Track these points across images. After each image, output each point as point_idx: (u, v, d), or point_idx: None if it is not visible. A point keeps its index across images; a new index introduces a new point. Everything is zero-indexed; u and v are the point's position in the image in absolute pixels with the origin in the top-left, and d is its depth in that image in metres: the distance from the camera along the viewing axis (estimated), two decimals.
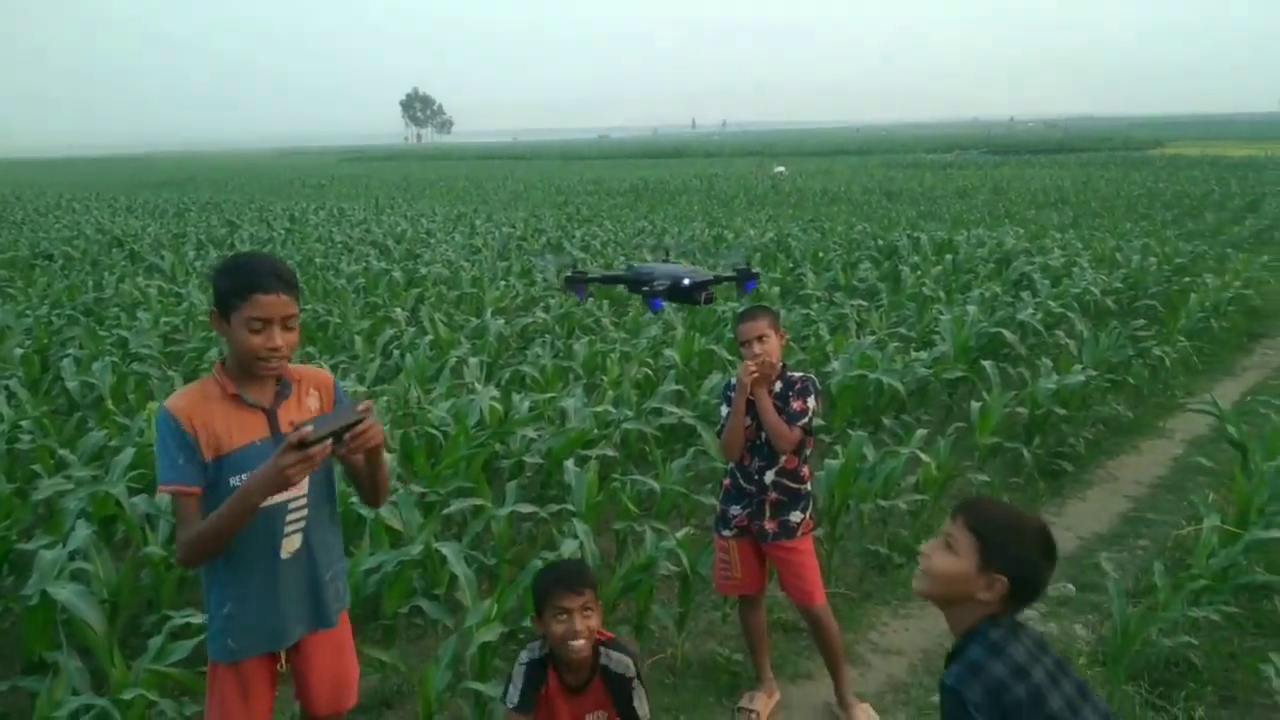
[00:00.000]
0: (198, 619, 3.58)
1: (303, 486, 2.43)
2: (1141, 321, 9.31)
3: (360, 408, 2.24)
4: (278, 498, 2.34)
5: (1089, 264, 12.22)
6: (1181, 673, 3.91)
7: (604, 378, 7.08)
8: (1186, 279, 11.86)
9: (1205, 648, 4.02)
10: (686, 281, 3.24)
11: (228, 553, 2.35)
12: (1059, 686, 1.98)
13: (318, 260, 14.59)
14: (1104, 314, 10.22)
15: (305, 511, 2.46)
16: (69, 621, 3.64)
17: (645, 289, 3.28)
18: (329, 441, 2.17)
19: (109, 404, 6.68)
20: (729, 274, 3.44)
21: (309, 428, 2.14)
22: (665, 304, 3.45)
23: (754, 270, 3.45)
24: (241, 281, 2.30)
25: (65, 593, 3.57)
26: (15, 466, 5.49)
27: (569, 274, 3.52)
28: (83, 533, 4.06)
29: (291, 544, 2.44)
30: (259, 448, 2.36)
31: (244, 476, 2.29)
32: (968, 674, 1.94)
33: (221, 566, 2.41)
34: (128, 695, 3.06)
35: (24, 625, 3.85)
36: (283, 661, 2.52)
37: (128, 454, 4.93)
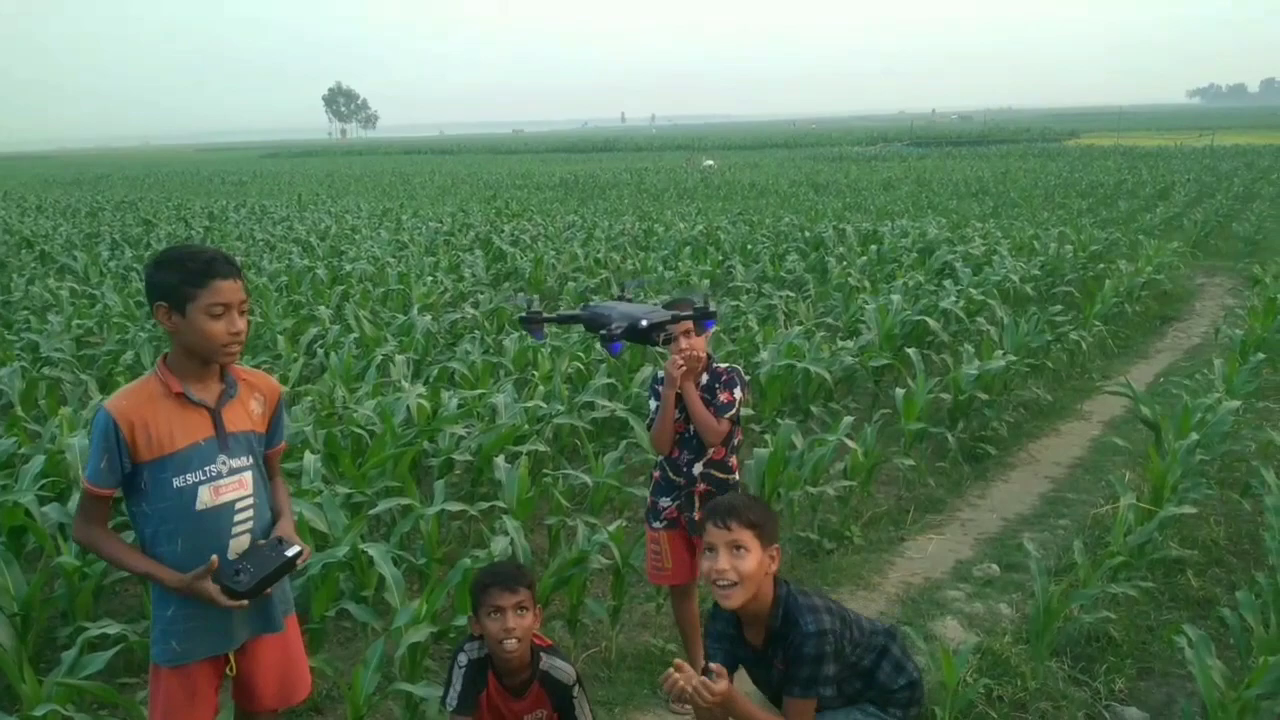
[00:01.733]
0: (114, 629, 3.47)
1: (248, 485, 2.42)
2: (1059, 307, 9.57)
3: (296, 555, 2.37)
4: (226, 496, 2.37)
5: (1008, 252, 12.52)
6: (1102, 647, 4.02)
7: (535, 373, 7.04)
8: (1101, 265, 12.23)
9: (1124, 622, 4.15)
10: (644, 323, 3.23)
11: (173, 553, 2.32)
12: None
13: (239, 259, 14.22)
14: (1023, 300, 10.49)
15: (252, 512, 2.43)
16: None
17: (603, 332, 3.26)
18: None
19: (18, 410, 6.42)
20: (686, 313, 3.44)
21: (244, 576, 2.27)
22: (623, 346, 3.45)
23: (712, 309, 3.46)
24: (197, 270, 2.29)
25: None
26: None
27: (524, 314, 3.47)
28: None
29: (239, 545, 2.40)
30: (202, 448, 2.34)
31: (186, 477, 2.31)
32: (816, 615, 2.45)
33: (167, 567, 2.35)
34: (39, 712, 2.94)
35: None
36: (232, 665, 2.47)
37: (38, 462, 4.74)
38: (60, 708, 2.98)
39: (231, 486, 2.38)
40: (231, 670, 2.47)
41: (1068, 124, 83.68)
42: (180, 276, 2.29)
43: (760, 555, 2.44)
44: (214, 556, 2.27)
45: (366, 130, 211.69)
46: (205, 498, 2.34)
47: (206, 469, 2.33)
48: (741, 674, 2.68)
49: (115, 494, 2.34)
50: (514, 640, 2.78)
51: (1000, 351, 7.32)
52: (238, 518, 2.40)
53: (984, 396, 6.81)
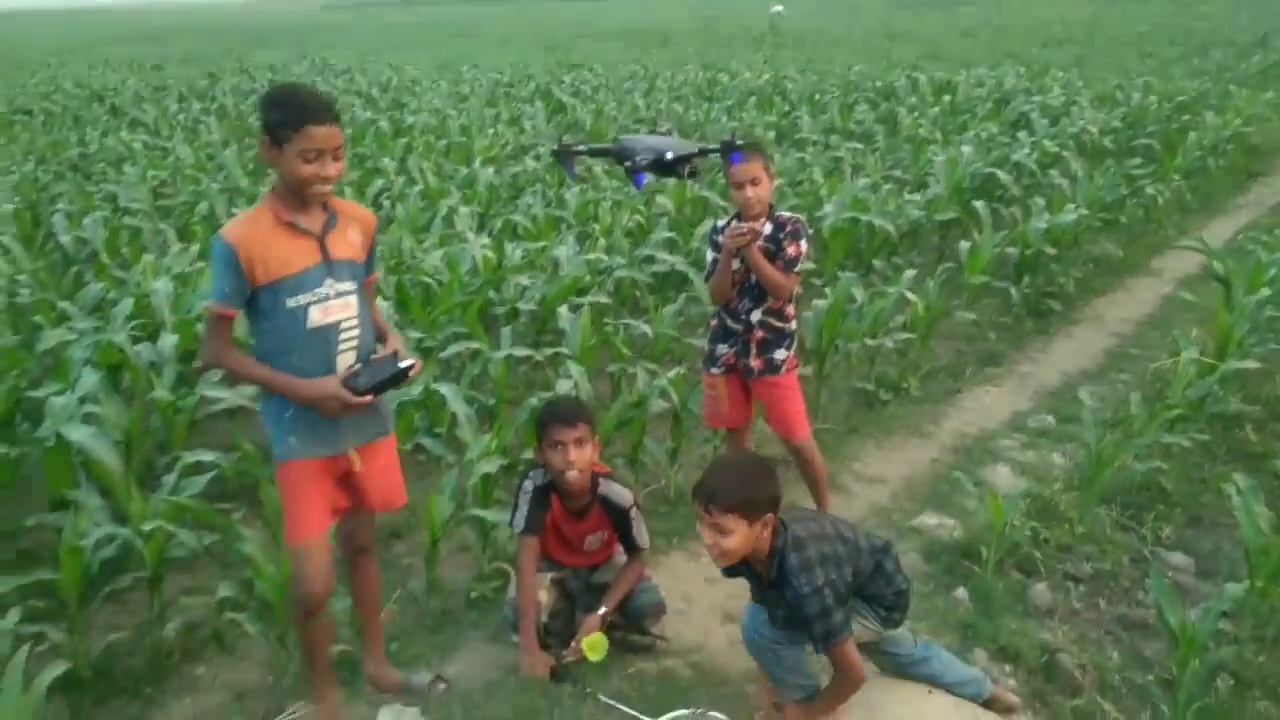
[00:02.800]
0: (208, 457, 3.73)
1: (353, 307, 2.59)
2: (1138, 161, 9.24)
3: (408, 367, 2.56)
4: (333, 317, 2.54)
5: (1089, 103, 12.01)
6: (1152, 496, 4.09)
7: (596, 226, 7.08)
8: (1186, 117, 11.68)
9: (1176, 473, 4.20)
10: (669, 155, 3.18)
11: (288, 367, 2.52)
12: (832, 524, 2.62)
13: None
14: (1101, 154, 10.12)
15: (357, 331, 2.61)
16: (86, 462, 3.79)
17: (627, 164, 3.23)
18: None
19: (104, 258, 6.69)
20: (713, 146, 3.39)
21: (362, 378, 2.51)
22: (648, 179, 3.42)
23: (739, 142, 3.40)
24: (294, 114, 2.40)
25: (80, 434, 3.70)
26: (17, 319, 5.56)
27: (556, 147, 3.46)
28: (90, 379, 4.16)
29: (345, 361, 2.59)
30: (312, 272, 2.51)
31: (299, 298, 2.49)
32: (809, 573, 2.43)
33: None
34: (147, 526, 3.22)
35: (43, 467, 3.99)
36: (355, 461, 2.67)
37: (126, 304, 5.00)
38: (166, 524, 3.26)
39: (338, 308, 2.56)
40: (356, 465, 2.68)
41: None
42: (280, 116, 2.41)
43: (745, 532, 2.42)
44: (361, 376, 2.53)
45: None
46: (315, 317, 2.52)
47: (316, 291, 2.52)
48: None
49: (238, 314, 2.52)
50: (574, 471, 2.97)
51: (1072, 205, 7.15)
52: (343, 336, 2.58)
53: (1052, 251, 6.71)
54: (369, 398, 2.54)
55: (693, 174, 3.30)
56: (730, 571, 2.67)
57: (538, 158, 10.11)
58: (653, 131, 3.61)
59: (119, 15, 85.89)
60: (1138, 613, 3.41)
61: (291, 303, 2.49)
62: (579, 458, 2.98)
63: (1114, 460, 3.98)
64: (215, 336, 2.55)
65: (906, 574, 2.75)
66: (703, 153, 3.32)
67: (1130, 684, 3.04)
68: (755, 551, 2.49)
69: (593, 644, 2.99)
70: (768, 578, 2.54)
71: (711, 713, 2.80)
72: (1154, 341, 5.96)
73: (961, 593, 3.49)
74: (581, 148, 3.64)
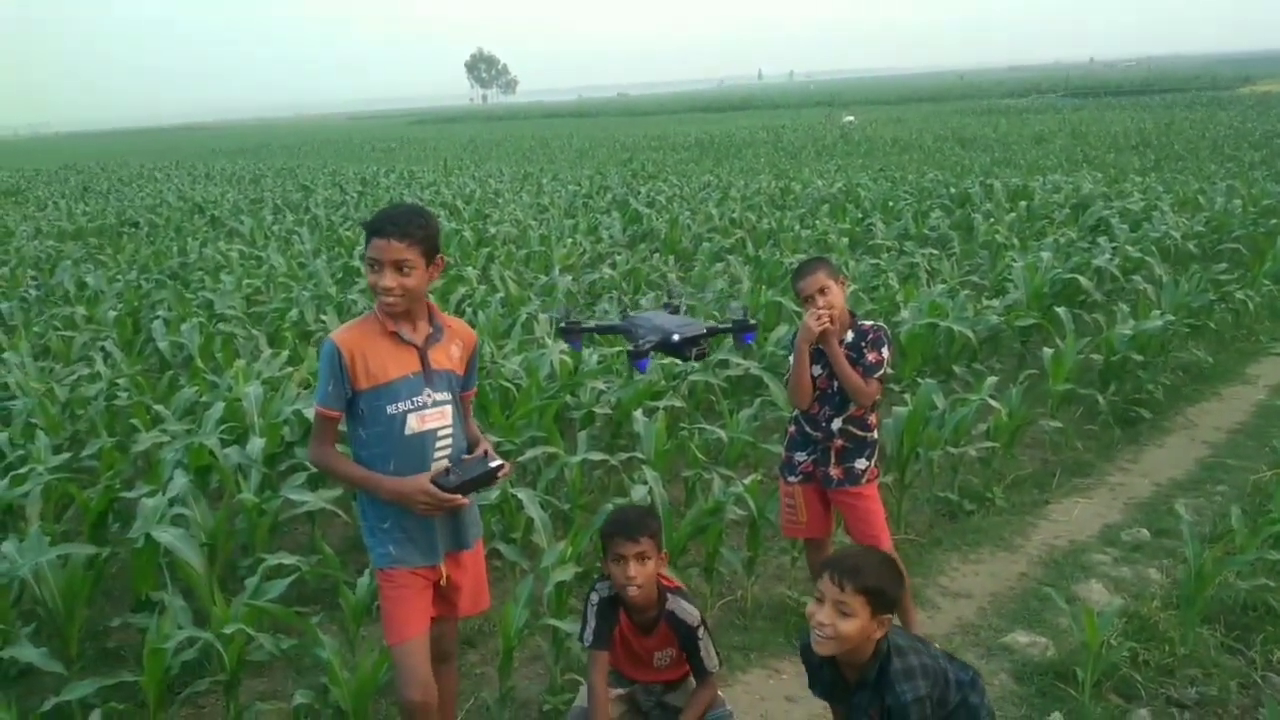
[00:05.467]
0: (289, 560, 3.78)
1: (448, 417, 2.71)
2: (1224, 265, 9.04)
3: (498, 467, 2.67)
4: (430, 425, 2.66)
5: (1170, 208, 11.84)
6: (1259, 616, 3.86)
7: None
8: (1274, 221, 11.41)
9: None
10: (676, 337, 3.10)
11: (386, 472, 2.64)
12: (925, 644, 2.56)
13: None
14: (1185, 259, 9.92)
15: (451, 440, 2.72)
16: (172, 564, 3.88)
17: (630, 349, 3.15)
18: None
19: (198, 362, 6.96)
20: (725, 325, 3.37)
21: (453, 477, 2.60)
22: (652, 363, 3.35)
23: (752, 321, 3.36)
24: (368, 225, 2.61)
25: (167, 536, 3.79)
26: (114, 422, 5.80)
27: (562, 324, 3.44)
28: (180, 481, 4.29)
29: (439, 468, 2.68)
30: (411, 381, 2.65)
31: (398, 405, 2.61)
32: (912, 682, 2.37)
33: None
34: (229, 630, 3.25)
35: (131, 567, 4.09)
36: (444, 575, 2.77)
37: (218, 408, 5.17)
38: (246, 627, 3.29)
39: (435, 416, 2.68)
40: (444, 581, 2.77)
41: (1241, 68, 77.40)
42: (366, 226, 2.62)
43: (866, 622, 2.37)
44: (450, 477, 2.63)
45: (506, 95, 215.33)
46: (413, 424, 2.64)
47: (414, 399, 2.64)
48: None
49: (341, 415, 2.65)
50: (635, 587, 2.93)
51: (1158, 311, 6.99)
52: (439, 444, 2.70)
53: (1139, 358, 6.53)
54: (460, 498, 2.62)
55: (700, 356, 3.20)
56: (815, 675, 2.61)
57: (614, 265, 10.31)
58: (666, 305, 3.52)
59: (222, 131, 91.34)
60: None
61: (391, 409, 2.61)
62: (639, 573, 2.93)
63: (1216, 577, 3.78)
64: (319, 437, 2.69)
65: (992, 707, 2.62)
66: (712, 332, 3.26)
67: None
68: (857, 650, 2.41)
69: None
70: (859, 681, 2.46)
71: None
72: (1250, 452, 5.71)
73: (1057, 717, 3.30)
74: (589, 324, 3.65)
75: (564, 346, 6.28)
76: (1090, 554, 4.56)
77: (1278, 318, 8.53)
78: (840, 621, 2.36)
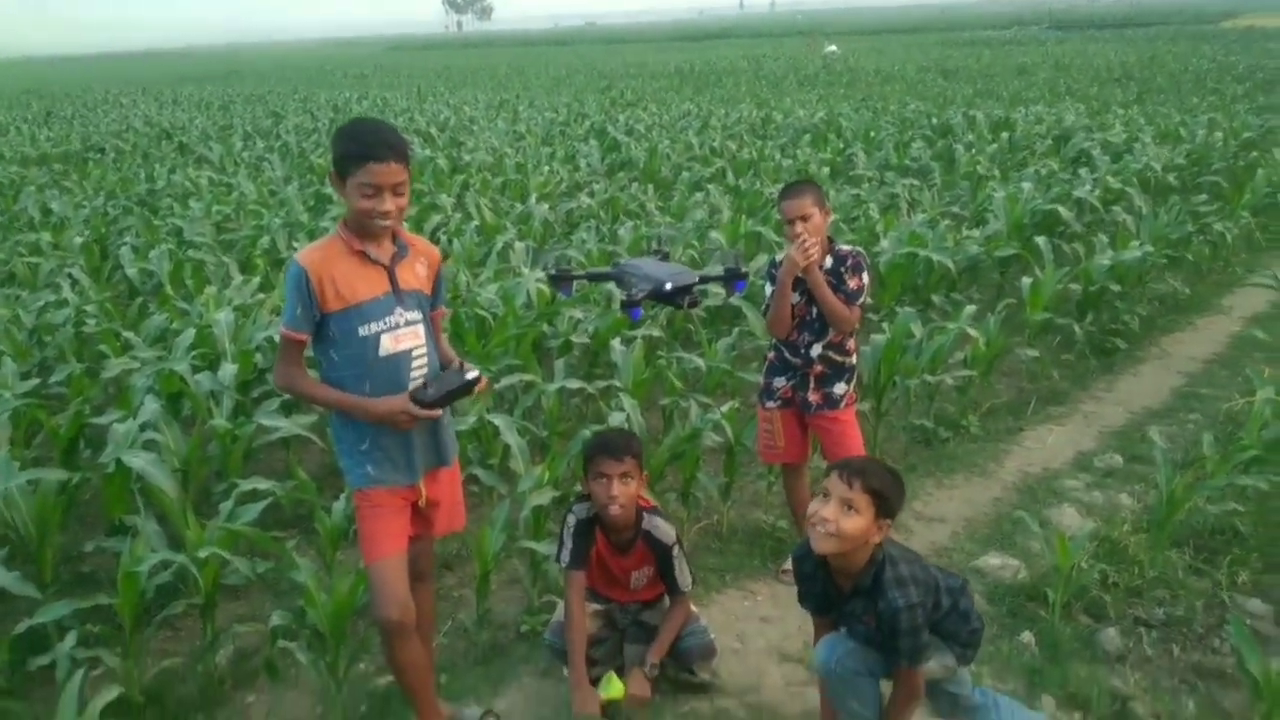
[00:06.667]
0: (263, 485, 3.75)
1: (421, 336, 2.66)
2: (1204, 197, 9.04)
3: (475, 379, 2.61)
4: (404, 345, 2.60)
5: (1151, 140, 11.79)
6: (1226, 540, 3.92)
7: None
8: (1254, 154, 11.40)
9: (1252, 516, 4.03)
10: (669, 286, 3.09)
11: (361, 394, 2.58)
12: (916, 555, 2.59)
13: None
14: (1165, 190, 9.91)
15: (425, 360, 2.67)
16: (145, 489, 3.84)
17: (622, 298, 3.14)
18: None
19: (168, 289, 6.85)
20: (716, 274, 3.33)
21: (431, 390, 2.56)
22: (643, 312, 3.34)
23: (743, 270, 3.33)
24: (357, 149, 2.46)
25: (139, 461, 3.74)
26: (83, 349, 5.70)
27: (553, 271, 3.40)
28: (152, 406, 4.23)
29: (416, 387, 2.63)
30: (382, 301, 2.58)
31: (370, 326, 2.55)
32: (904, 589, 2.41)
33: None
34: (203, 553, 3.23)
35: (103, 492, 4.05)
36: (422, 495, 2.74)
37: (189, 335, 5.09)
38: (221, 550, 3.27)
39: (408, 336, 2.62)
40: (423, 501, 2.74)
41: (1225, 2, 76.71)
42: (345, 150, 2.48)
43: (869, 522, 2.39)
44: (428, 390, 2.58)
45: (481, 22, 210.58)
46: (387, 345, 2.58)
47: (386, 319, 2.58)
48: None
49: (308, 338, 2.57)
50: (617, 506, 2.93)
51: (1136, 242, 6.98)
52: (414, 363, 2.64)
53: (1116, 288, 6.55)
54: (438, 411, 2.58)
55: (693, 304, 3.20)
56: (806, 587, 2.63)
57: (592, 194, 10.18)
58: (656, 252, 3.49)
59: (192, 55, 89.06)
60: (1214, 661, 3.25)
61: (363, 330, 2.55)
62: (622, 492, 2.94)
63: (1186, 502, 3.82)
64: (286, 360, 2.62)
65: (979, 613, 2.68)
66: (704, 281, 3.24)
67: None
68: (853, 556, 2.45)
69: (606, 685, 2.95)
70: (853, 587, 2.50)
71: None
72: (1224, 381, 5.76)
73: (1028, 637, 3.36)
74: (579, 273, 3.61)
75: (540, 275, 6.21)
76: (1063, 480, 4.60)
77: (1255, 249, 8.57)
78: (844, 519, 2.38)
